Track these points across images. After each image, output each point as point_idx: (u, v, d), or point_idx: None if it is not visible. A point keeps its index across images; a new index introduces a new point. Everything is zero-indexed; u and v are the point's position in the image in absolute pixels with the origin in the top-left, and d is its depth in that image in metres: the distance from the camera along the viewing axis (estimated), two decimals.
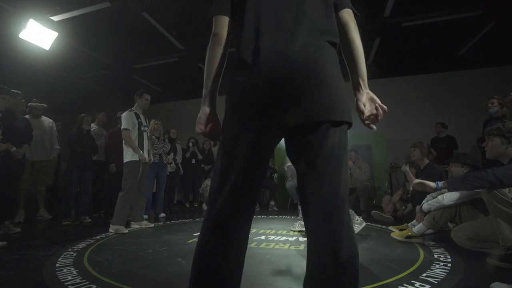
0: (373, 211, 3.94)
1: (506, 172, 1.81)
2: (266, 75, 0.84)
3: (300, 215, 2.89)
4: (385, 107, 0.93)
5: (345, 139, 0.88)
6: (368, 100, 0.95)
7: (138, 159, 3.38)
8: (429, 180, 3.22)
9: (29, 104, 4.04)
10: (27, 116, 3.83)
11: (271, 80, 0.84)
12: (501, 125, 2.04)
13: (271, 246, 2.54)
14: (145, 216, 3.93)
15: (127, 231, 3.29)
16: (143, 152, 3.46)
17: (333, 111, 0.85)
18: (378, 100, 0.95)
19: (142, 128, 3.53)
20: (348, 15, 0.97)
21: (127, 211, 3.40)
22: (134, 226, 3.54)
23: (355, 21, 0.98)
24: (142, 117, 3.57)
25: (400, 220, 3.79)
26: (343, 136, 0.87)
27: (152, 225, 3.72)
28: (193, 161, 6.02)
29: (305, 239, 2.78)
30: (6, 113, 3.02)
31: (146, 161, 3.48)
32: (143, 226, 3.57)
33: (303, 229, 2.80)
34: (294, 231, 3.12)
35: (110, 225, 3.28)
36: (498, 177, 1.78)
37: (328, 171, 0.83)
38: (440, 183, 2.12)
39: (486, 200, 1.90)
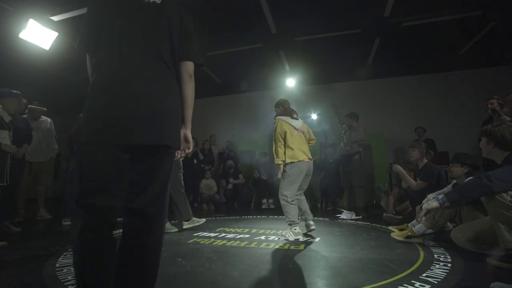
0: (385, 214, 3.93)
1: (499, 175, 1.81)
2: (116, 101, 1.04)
3: (288, 219, 2.82)
4: (191, 147, 1.30)
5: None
6: (182, 138, 1.22)
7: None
8: (428, 180, 3.26)
9: (28, 106, 4.04)
10: (25, 116, 3.83)
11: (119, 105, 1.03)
12: (489, 126, 2.06)
13: (271, 246, 2.53)
14: None
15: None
16: None
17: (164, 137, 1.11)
18: (190, 140, 1.26)
19: None
20: (184, 67, 1.19)
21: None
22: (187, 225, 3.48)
23: (190, 73, 1.20)
24: None
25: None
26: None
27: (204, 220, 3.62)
28: (195, 161, 6.02)
29: (306, 239, 2.78)
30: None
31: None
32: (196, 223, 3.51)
33: (297, 237, 2.78)
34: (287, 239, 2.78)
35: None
36: (492, 182, 1.78)
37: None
38: (441, 198, 2.08)
39: (485, 203, 1.89)
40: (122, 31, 1.08)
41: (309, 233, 2.92)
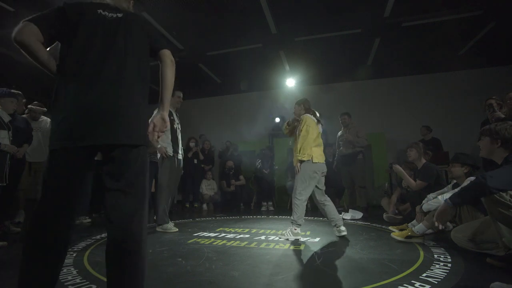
0: (385, 215, 3.93)
1: (493, 173, 1.80)
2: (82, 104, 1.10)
3: (293, 218, 2.85)
4: (168, 126, 1.29)
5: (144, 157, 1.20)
6: (159, 119, 1.24)
7: (172, 155, 3.41)
8: (427, 180, 3.26)
9: (28, 106, 4.04)
10: (24, 116, 3.84)
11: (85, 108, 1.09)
12: (493, 125, 2.04)
13: (271, 246, 2.54)
14: None
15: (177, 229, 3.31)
16: (177, 149, 3.51)
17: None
18: (166, 120, 1.27)
19: (175, 126, 3.55)
20: (165, 54, 1.30)
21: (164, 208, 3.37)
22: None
23: (171, 58, 1.31)
24: (174, 114, 3.58)
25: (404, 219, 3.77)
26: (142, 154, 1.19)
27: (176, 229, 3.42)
28: (195, 161, 6.02)
29: (306, 239, 2.79)
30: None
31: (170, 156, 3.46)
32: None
33: (297, 237, 2.80)
34: (286, 239, 2.82)
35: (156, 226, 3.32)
36: (485, 179, 1.77)
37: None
38: (448, 200, 2.07)
39: (485, 203, 1.89)
40: (88, 40, 1.18)
41: (339, 236, 2.87)
